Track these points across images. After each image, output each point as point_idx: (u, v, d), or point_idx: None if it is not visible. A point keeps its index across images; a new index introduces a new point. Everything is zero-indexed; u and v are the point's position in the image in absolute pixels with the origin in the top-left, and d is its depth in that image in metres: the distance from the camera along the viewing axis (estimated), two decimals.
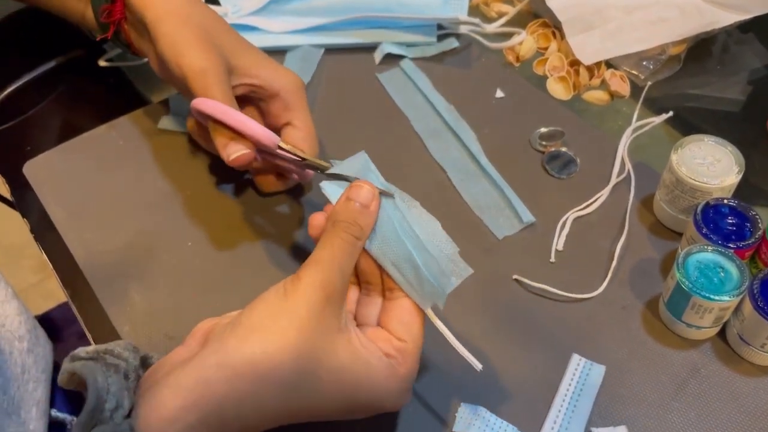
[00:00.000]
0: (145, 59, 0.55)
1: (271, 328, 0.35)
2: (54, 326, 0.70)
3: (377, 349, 0.37)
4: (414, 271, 0.39)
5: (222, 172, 0.56)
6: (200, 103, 0.47)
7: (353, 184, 0.39)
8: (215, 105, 0.46)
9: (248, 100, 0.53)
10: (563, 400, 0.43)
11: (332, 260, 0.37)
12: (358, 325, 0.39)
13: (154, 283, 0.50)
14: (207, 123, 0.48)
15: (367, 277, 0.40)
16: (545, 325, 0.47)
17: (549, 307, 0.48)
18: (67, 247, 0.52)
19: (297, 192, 0.55)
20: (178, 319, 0.48)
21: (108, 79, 0.66)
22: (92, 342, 0.48)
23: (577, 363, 0.45)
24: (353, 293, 0.41)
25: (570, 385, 0.44)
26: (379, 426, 0.43)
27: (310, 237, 0.40)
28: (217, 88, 0.47)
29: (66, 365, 0.35)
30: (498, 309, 0.48)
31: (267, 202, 0.55)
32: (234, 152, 0.46)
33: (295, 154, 0.47)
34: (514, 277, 0.50)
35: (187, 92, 0.49)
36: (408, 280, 0.39)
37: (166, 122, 0.60)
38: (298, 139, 0.51)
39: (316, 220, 0.40)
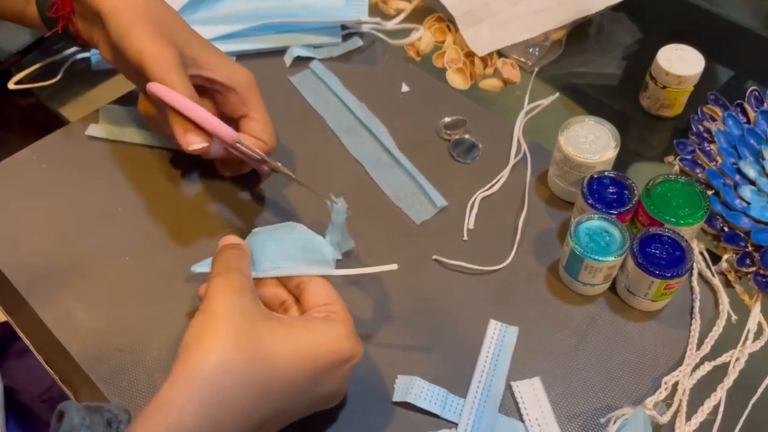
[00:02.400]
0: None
1: (206, 335, 0.37)
2: None
3: (310, 316, 0.42)
4: (301, 259, 0.45)
5: (152, 185, 0.59)
6: (159, 89, 0.48)
7: (223, 239, 0.46)
8: (176, 96, 0.48)
9: (203, 91, 0.54)
10: (485, 362, 0.50)
11: (227, 266, 0.41)
12: None
13: (98, 300, 0.52)
14: (164, 108, 0.49)
15: (280, 297, 0.45)
16: (464, 297, 0.53)
17: (466, 280, 0.54)
18: (4, 273, 0.54)
19: (234, 201, 0.59)
20: (126, 333, 0.51)
21: (20, 102, 0.66)
22: (42, 362, 0.50)
23: (494, 327, 0.51)
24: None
25: (490, 347, 0.50)
26: None
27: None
28: (176, 74, 0.49)
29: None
30: (421, 288, 0.54)
31: (203, 213, 0.58)
32: (194, 143, 0.48)
33: (254, 152, 0.50)
34: (434, 257, 0.55)
35: (143, 79, 0.50)
36: (301, 269, 0.45)
37: (94, 130, 0.62)
38: (257, 131, 0.54)
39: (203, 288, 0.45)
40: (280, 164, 0.51)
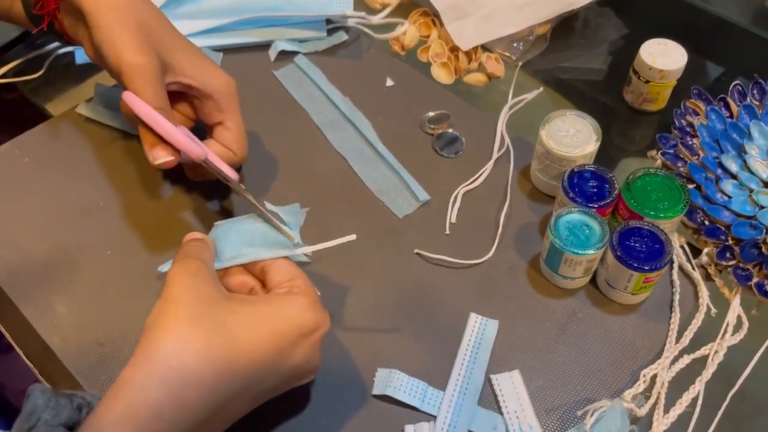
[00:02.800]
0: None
1: (164, 318, 0.37)
2: None
3: (271, 293, 0.42)
4: (262, 244, 0.47)
5: (133, 180, 0.59)
6: (132, 101, 0.48)
7: (187, 235, 0.46)
8: (148, 111, 0.47)
9: (182, 95, 0.54)
10: (465, 355, 0.50)
11: (185, 254, 0.42)
12: None
13: (79, 294, 0.52)
14: (136, 118, 0.49)
15: (247, 285, 0.46)
16: (445, 290, 0.53)
17: (447, 274, 0.54)
18: None
19: (215, 195, 0.59)
20: (107, 327, 0.51)
21: (4, 96, 0.66)
22: (23, 356, 0.50)
23: (474, 321, 0.51)
24: None
25: (470, 341, 0.50)
26: (306, 392, 0.48)
27: None
28: (150, 88, 0.48)
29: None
30: (403, 281, 0.54)
31: (183, 208, 0.58)
32: (159, 158, 0.48)
33: (220, 174, 0.50)
34: (415, 251, 0.55)
35: (122, 84, 0.49)
36: (263, 254, 0.46)
37: (84, 109, 0.62)
38: (229, 140, 0.54)
39: None
40: (243, 187, 0.51)
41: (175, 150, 0.48)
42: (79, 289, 0.53)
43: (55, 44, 0.69)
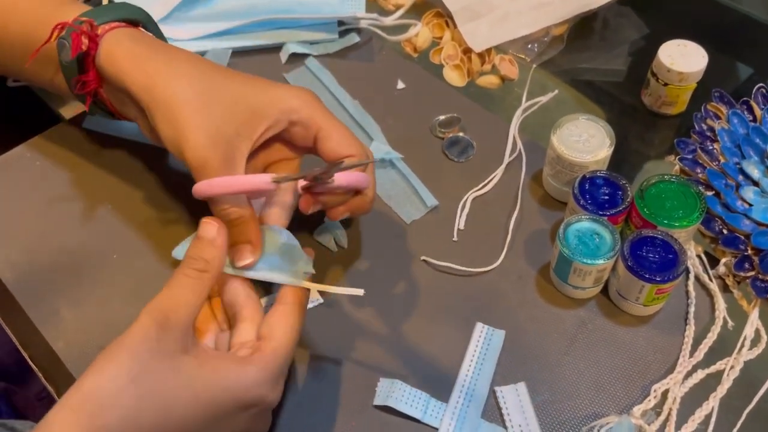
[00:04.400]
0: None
1: (105, 360, 0.36)
2: None
3: (229, 355, 0.40)
4: (277, 266, 0.45)
5: (142, 185, 0.59)
6: (196, 190, 0.45)
7: (201, 221, 0.43)
8: (203, 186, 0.44)
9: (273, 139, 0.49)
10: (469, 366, 0.49)
11: (169, 293, 0.39)
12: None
13: (84, 298, 0.53)
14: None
15: (238, 307, 0.44)
16: (451, 299, 0.52)
17: (454, 282, 0.53)
18: None
19: None
20: (110, 332, 0.50)
21: (18, 99, 0.67)
22: (28, 359, 0.50)
23: (480, 331, 0.50)
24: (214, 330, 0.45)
25: (475, 351, 0.49)
26: (306, 403, 0.47)
27: None
28: (220, 171, 0.44)
29: None
30: (409, 288, 0.53)
31: (192, 213, 0.57)
32: (242, 259, 0.45)
33: (295, 179, 0.46)
34: (422, 257, 0.54)
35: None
36: (274, 276, 0.45)
37: (89, 123, 0.62)
38: (333, 148, 0.48)
39: None
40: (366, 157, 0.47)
41: (251, 245, 0.45)
42: (85, 293, 0.53)
43: None
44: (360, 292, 0.44)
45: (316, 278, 0.53)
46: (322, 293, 0.51)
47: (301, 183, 0.46)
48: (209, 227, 0.42)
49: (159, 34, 0.55)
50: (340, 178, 0.45)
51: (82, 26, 0.48)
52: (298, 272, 0.45)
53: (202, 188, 0.45)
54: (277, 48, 0.69)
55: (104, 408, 0.35)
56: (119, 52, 0.48)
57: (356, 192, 0.49)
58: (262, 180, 0.45)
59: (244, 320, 0.44)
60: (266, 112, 0.47)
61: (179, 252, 0.49)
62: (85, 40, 0.48)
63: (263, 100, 0.47)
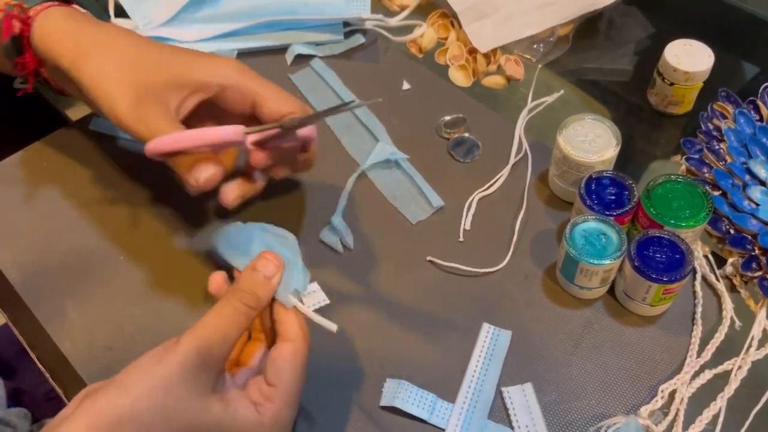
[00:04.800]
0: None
1: (141, 388, 0.36)
2: None
3: (247, 400, 0.39)
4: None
5: (149, 186, 0.59)
6: (155, 147, 0.45)
7: (261, 256, 0.42)
8: (168, 141, 0.45)
9: (201, 109, 0.51)
10: (476, 366, 0.48)
11: (217, 328, 0.39)
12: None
13: (90, 298, 0.53)
14: (167, 160, 0.47)
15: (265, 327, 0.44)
16: (457, 299, 0.52)
17: (460, 282, 0.53)
18: (1, 271, 0.54)
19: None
20: (117, 332, 0.51)
21: (25, 101, 0.67)
22: (35, 359, 0.51)
23: (486, 331, 0.50)
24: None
25: (481, 352, 0.49)
26: (312, 403, 0.47)
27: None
28: (163, 122, 0.46)
29: None
30: (414, 289, 0.53)
31: (197, 212, 0.57)
32: (202, 174, 0.45)
33: (269, 129, 0.46)
34: (428, 258, 0.54)
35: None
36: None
37: (95, 125, 0.62)
38: (272, 111, 0.49)
39: (215, 279, 0.44)
40: (296, 116, 0.47)
41: (214, 161, 0.46)
42: (91, 294, 0.53)
43: None
44: (333, 327, 0.42)
45: (321, 279, 0.53)
46: (327, 296, 0.51)
47: (252, 138, 0.47)
48: (269, 264, 0.42)
49: (96, 11, 0.56)
50: (303, 130, 0.47)
51: (12, 10, 0.50)
52: (289, 287, 0.43)
53: (165, 142, 0.45)
54: (282, 49, 0.69)
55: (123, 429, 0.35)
56: (51, 31, 0.49)
57: (303, 149, 0.51)
58: (234, 131, 0.45)
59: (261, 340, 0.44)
60: (194, 76, 0.49)
61: (225, 247, 0.46)
62: (17, 23, 0.50)
63: (191, 66, 0.49)
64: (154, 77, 0.48)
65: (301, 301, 0.43)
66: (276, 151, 0.49)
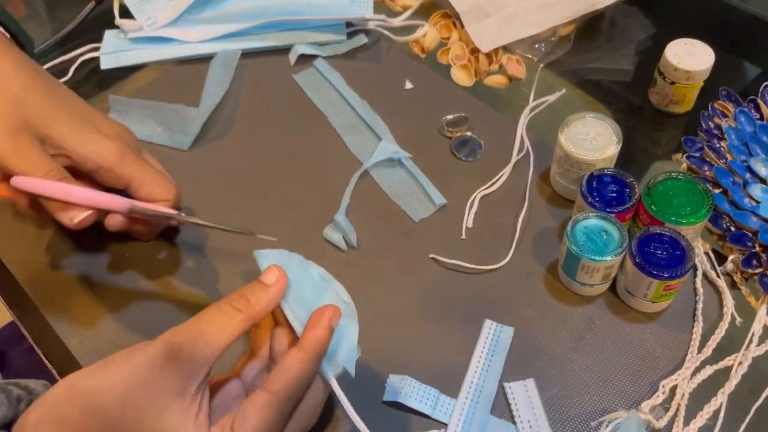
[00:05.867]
0: None
1: (110, 369, 0.36)
2: None
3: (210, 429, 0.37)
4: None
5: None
6: (25, 182, 0.45)
7: (268, 267, 0.41)
8: (51, 185, 0.45)
9: (78, 173, 0.50)
10: (478, 362, 0.49)
11: (191, 328, 0.37)
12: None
13: (96, 295, 0.53)
14: (35, 197, 0.47)
15: (275, 352, 0.42)
16: (460, 296, 0.53)
17: (462, 279, 0.53)
18: (8, 268, 0.55)
19: (234, 200, 0.59)
20: (122, 328, 0.51)
21: None
22: (43, 357, 0.51)
23: (489, 327, 0.51)
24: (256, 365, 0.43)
25: (484, 348, 0.50)
26: None
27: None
28: (30, 160, 0.46)
29: None
30: (417, 286, 0.53)
31: (204, 212, 0.58)
32: (76, 216, 0.46)
33: (156, 211, 0.48)
34: (431, 255, 0.55)
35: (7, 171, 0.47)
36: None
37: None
38: (148, 195, 0.50)
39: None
40: (183, 215, 0.50)
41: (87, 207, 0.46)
42: (97, 291, 0.53)
43: (82, 49, 0.70)
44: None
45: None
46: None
47: (126, 209, 0.48)
48: (270, 274, 0.41)
49: (16, 28, 0.55)
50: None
51: None
52: (337, 363, 0.41)
53: (45, 186, 0.45)
54: (286, 49, 0.70)
55: (92, 407, 0.35)
56: None
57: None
58: (121, 204, 0.47)
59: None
60: (75, 147, 0.48)
61: (264, 256, 0.43)
62: None
63: (75, 136, 0.48)
64: (36, 121, 0.47)
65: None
66: (140, 224, 0.51)
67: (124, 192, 0.50)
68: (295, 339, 0.42)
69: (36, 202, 0.49)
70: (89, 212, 0.46)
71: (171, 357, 0.36)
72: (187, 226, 0.56)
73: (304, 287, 0.43)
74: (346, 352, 0.42)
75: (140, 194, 0.50)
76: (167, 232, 0.56)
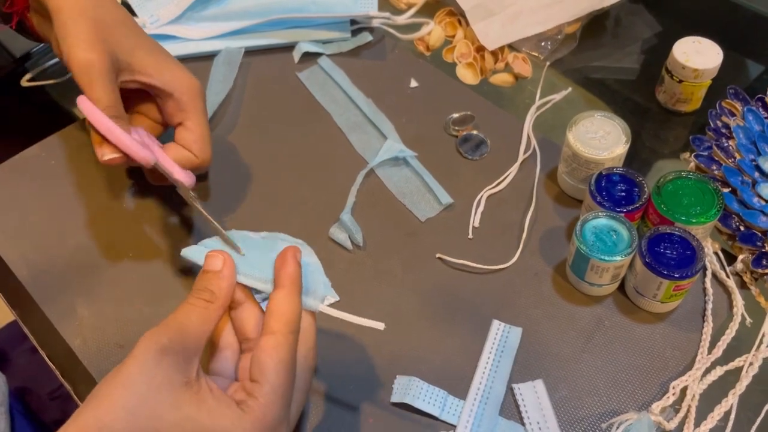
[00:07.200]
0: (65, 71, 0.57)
1: (101, 392, 0.35)
2: (0, 349, 0.71)
3: (227, 398, 0.37)
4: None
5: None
6: (82, 103, 0.47)
7: (207, 254, 0.41)
8: (95, 114, 0.47)
9: (147, 96, 0.54)
10: (486, 363, 0.48)
11: (172, 320, 0.37)
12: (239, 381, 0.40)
13: (100, 296, 0.53)
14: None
15: (246, 333, 0.41)
16: (467, 296, 0.52)
17: (470, 279, 0.53)
18: (9, 268, 0.54)
19: (241, 199, 0.58)
20: (127, 329, 0.51)
21: (33, 100, 0.67)
22: (45, 357, 0.51)
23: (497, 328, 0.50)
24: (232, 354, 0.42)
25: (492, 348, 0.49)
26: (323, 400, 0.47)
27: None
28: (98, 86, 0.47)
29: None
30: (424, 286, 0.53)
31: (207, 211, 0.57)
32: (106, 154, 0.47)
33: (170, 177, 0.49)
34: (437, 255, 0.54)
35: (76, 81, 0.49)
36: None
37: None
38: (189, 142, 0.52)
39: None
40: (192, 194, 0.49)
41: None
42: (101, 292, 0.53)
43: None
44: (380, 325, 0.42)
45: (330, 276, 0.53)
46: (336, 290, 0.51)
47: (150, 165, 0.48)
48: (215, 260, 0.41)
49: None
50: (185, 179, 0.51)
51: None
52: (316, 295, 0.42)
53: (95, 115, 0.46)
54: (290, 47, 0.69)
55: None
56: None
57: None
58: (149, 158, 0.47)
59: (251, 350, 0.41)
60: (158, 67, 0.51)
61: (188, 252, 0.44)
62: None
63: (162, 60, 0.52)
64: (117, 39, 0.50)
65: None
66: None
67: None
68: (259, 314, 0.42)
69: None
70: (119, 155, 0.47)
71: (162, 352, 0.36)
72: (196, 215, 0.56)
73: (251, 251, 0.43)
74: (321, 284, 0.42)
75: (182, 137, 0.52)
76: (172, 232, 0.56)
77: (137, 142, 0.48)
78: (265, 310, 0.40)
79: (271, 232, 0.45)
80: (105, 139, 0.47)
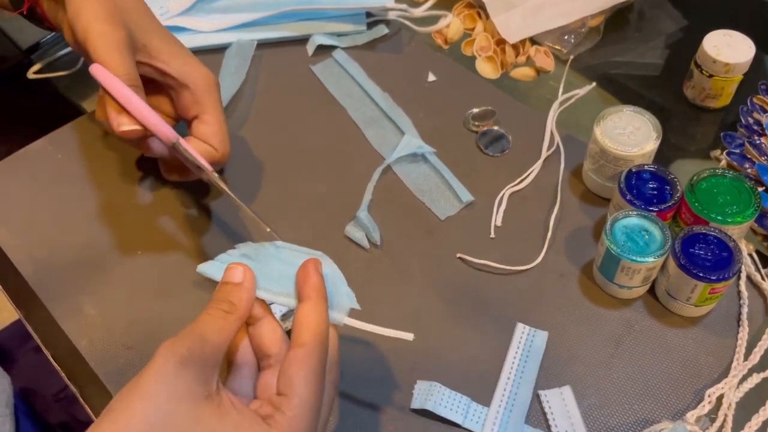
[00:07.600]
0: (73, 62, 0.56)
1: (119, 405, 0.33)
2: (5, 349, 0.70)
3: (251, 412, 0.35)
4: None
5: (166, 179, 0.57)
6: (98, 71, 0.45)
7: (228, 267, 0.39)
8: (115, 83, 0.45)
9: (160, 88, 0.52)
10: (511, 368, 0.46)
11: (191, 331, 0.36)
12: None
13: (107, 295, 0.51)
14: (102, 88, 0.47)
15: (265, 349, 0.39)
16: (490, 298, 0.50)
17: (492, 280, 0.51)
18: (15, 266, 0.52)
19: (249, 198, 0.56)
20: (135, 329, 0.49)
21: (40, 92, 0.65)
22: (50, 358, 0.49)
23: (521, 331, 0.48)
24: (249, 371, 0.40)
25: (516, 353, 0.47)
26: (341, 405, 0.45)
27: None
28: (117, 54, 0.46)
29: None
30: (444, 287, 0.50)
31: (216, 207, 0.55)
32: (124, 124, 0.45)
33: (192, 157, 0.47)
34: (458, 255, 0.52)
35: (90, 57, 0.47)
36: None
37: None
38: (207, 135, 0.51)
39: None
40: (217, 176, 0.47)
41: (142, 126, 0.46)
42: (108, 290, 0.51)
43: None
44: (409, 336, 0.40)
45: (346, 276, 0.51)
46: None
47: (171, 142, 0.47)
48: (235, 272, 0.39)
49: None
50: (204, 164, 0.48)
51: None
52: (341, 307, 0.40)
53: (115, 86, 0.45)
54: (303, 40, 0.67)
55: None
56: None
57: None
58: (171, 135, 0.46)
59: (271, 366, 0.39)
60: (173, 58, 0.50)
61: (205, 268, 0.42)
62: None
63: (177, 51, 0.51)
64: (136, 28, 0.49)
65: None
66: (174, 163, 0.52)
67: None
68: (279, 330, 0.39)
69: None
70: (137, 127, 0.45)
71: (182, 363, 0.34)
72: (208, 209, 0.54)
73: (270, 266, 0.41)
74: (345, 295, 0.40)
75: (200, 130, 0.51)
76: (178, 229, 0.54)
77: (158, 117, 0.46)
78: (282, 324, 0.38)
79: (282, 243, 0.42)
80: (123, 109, 0.45)
